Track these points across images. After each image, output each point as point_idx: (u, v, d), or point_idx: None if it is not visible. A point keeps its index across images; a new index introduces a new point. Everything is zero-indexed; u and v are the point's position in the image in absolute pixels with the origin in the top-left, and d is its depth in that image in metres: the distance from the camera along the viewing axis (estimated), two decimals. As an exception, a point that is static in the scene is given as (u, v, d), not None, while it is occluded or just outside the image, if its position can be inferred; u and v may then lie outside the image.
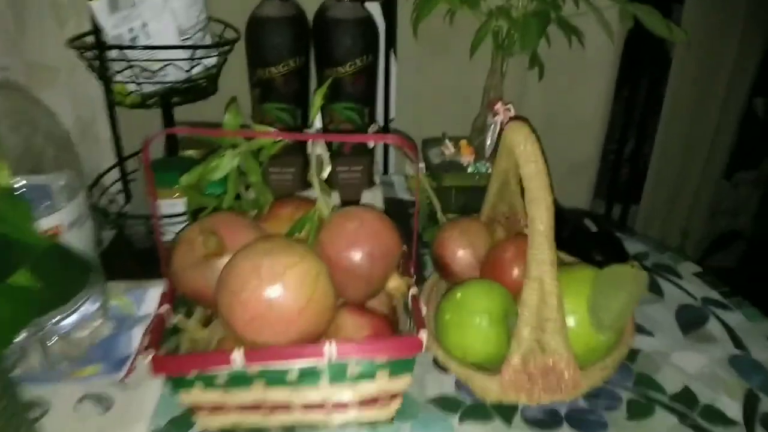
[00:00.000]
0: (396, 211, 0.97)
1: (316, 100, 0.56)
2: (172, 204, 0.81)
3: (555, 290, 0.49)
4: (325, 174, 0.54)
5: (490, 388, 0.54)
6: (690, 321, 0.74)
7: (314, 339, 0.52)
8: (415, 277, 0.60)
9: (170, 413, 0.60)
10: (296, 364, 0.51)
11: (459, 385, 0.63)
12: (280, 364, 0.50)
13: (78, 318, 0.67)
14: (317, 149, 0.56)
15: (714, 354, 0.68)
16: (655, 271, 0.85)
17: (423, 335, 0.51)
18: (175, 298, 0.59)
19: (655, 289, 0.80)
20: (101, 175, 0.93)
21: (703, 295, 0.80)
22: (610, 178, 1.33)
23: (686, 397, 0.62)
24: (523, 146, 0.51)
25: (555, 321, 0.50)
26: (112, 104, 0.89)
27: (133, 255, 0.86)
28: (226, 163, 0.53)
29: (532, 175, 0.49)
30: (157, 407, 0.61)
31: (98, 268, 0.71)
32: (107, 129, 0.99)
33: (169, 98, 0.80)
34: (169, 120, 0.84)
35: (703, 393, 0.63)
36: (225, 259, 0.54)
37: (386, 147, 1.13)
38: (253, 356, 0.50)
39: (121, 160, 0.94)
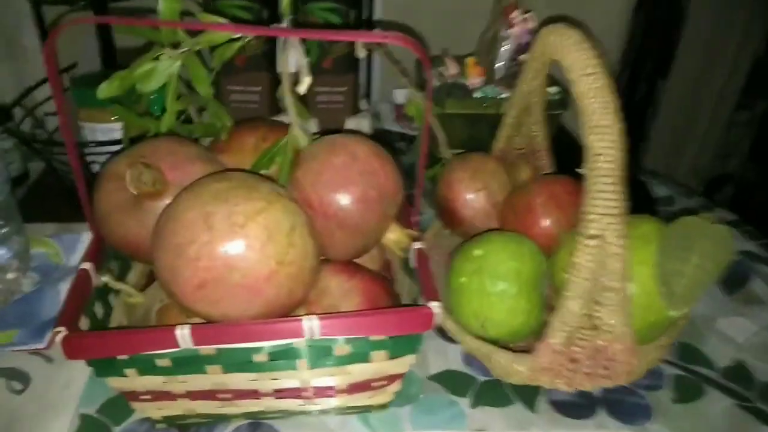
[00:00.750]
0: (383, 146, 0.82)
1: (291, -16, 0.41)
2: (108, 129, 0.65)
3: (621, 252, 0.36)
4: (303, 87, 0.40)
5: (516, 371, 0.42)
6: (731, 279, 0.63)
7: (288, 310, 0.39)
8: (419, 228, 0.47)
9: (104, 395, 0.47)
10: (265, 345, 0.38)
11: (468, 358, 0.51)
12: (238, 345, 0.37)
13: (-16, 270, 0.53)
14: (291, 52, 0.41)
15: (764, 318, 0.58)
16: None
17: (435, 307, 0.38)
18: (103, 251, 0.45)
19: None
20: (26, 93, 0.76)
21: (741, 247, 0.68)
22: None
23: (739, 373, 0.51)
24: (576, 53, 0.37)
25: (617, 292, 0.37)
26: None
27: (65, 192, 0.71)
28: (162, 68, 0.38)
29: (593, 93, 0.35)
30: (87, 387, 0.48)
31: (11, 204, 0.56)
32: (35, 37, 0.82)
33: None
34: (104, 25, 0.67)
35: (757, 368, 0.52)
36: (166, 201, 0.40)
37: (369, 70, 0.98)
38: (205, 335, 0.36)
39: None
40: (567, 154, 0.63)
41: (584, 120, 0.36)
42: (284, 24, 0.39)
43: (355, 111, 0.68)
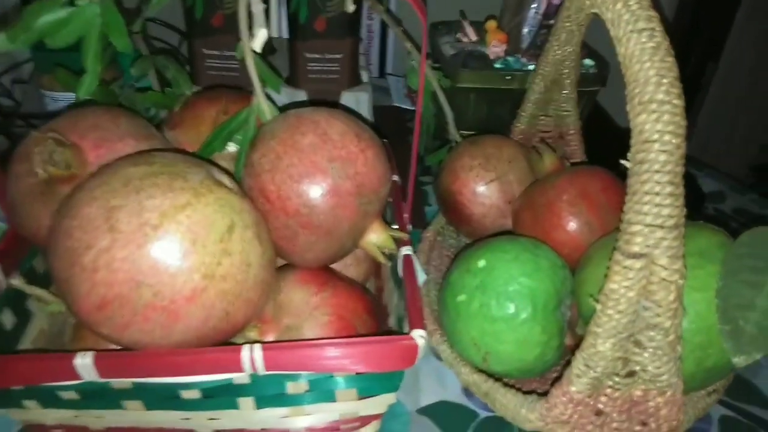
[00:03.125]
0: (391, 124, 0.73)
1: None
2: (73, 98, 0.57)
3: (675, 279, 0.26)
4: (257, 43, 0.30)
5: (525, 419, 0.33)
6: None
7: (227, 336, 0.30)
8: (410, 227, 0.38)
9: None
10: (195, 380, 0.29)
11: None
12: (160, 379, 0.29)
13: None
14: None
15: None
16: (735, 219, 0.62)
17: (419, 338, 0.28)
18: (21, 246, 0.37)
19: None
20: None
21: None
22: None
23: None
24: (623, 1, 0.27)
25: (666, 332, 0.27)
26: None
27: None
28: (78, 15, 0.29)
29: (647, 55, 0.25)
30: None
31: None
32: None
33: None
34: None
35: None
36: (80, 189, 0.31)
37: (383, 40, 0.88)
38: (113, 366, 0.28)
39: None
40: (602, 141, 0.53)
41: (631, 93, 0.26)
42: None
43: (354, 83, 0.58)
